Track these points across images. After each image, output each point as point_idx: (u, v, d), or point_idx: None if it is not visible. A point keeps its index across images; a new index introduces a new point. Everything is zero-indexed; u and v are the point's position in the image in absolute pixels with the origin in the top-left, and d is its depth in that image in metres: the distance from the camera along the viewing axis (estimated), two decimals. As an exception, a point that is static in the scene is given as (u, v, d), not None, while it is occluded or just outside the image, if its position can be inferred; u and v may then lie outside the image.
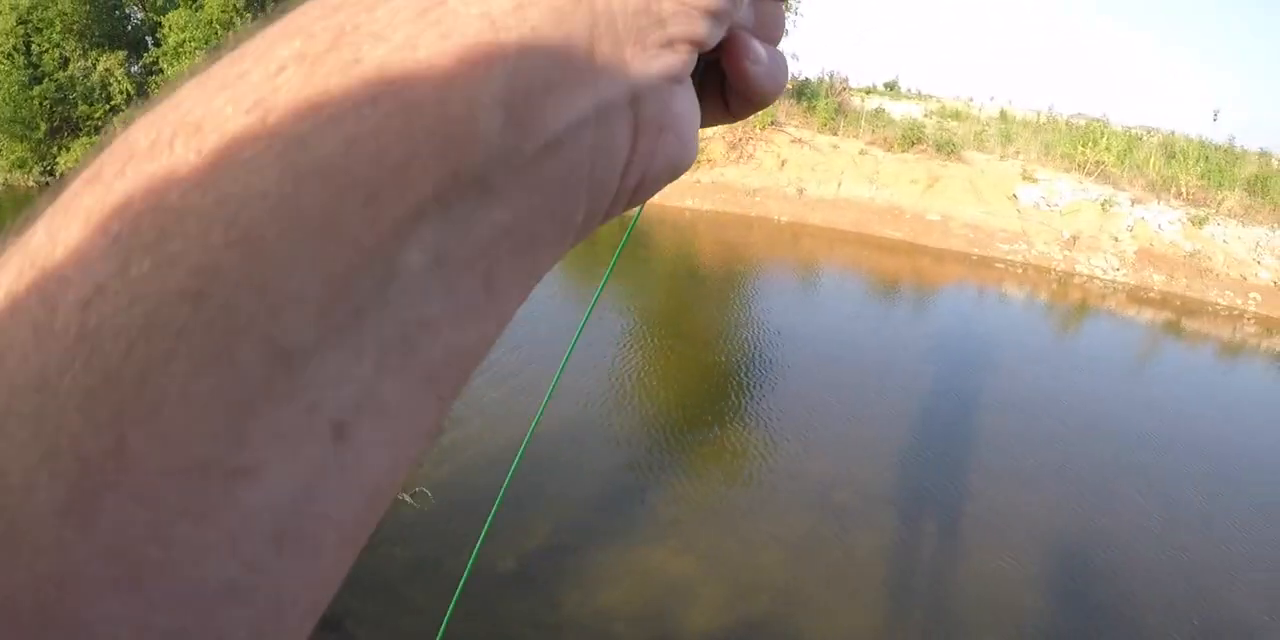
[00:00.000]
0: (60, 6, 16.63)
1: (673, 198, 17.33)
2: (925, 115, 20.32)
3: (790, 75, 0.38)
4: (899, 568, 5.92)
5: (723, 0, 0.31)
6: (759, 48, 0.35)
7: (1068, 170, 17.56)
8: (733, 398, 8.64)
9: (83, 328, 0.21)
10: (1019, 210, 16.47)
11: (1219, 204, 16.42)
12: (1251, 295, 14.66)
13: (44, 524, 0.20)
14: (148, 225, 0.21)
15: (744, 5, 0.33)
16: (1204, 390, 11.02)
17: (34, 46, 16.79)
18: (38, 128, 16.64)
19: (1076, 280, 15.20)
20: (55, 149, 17.06)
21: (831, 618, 5.31)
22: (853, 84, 22.08)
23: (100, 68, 17.17)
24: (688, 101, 0.32)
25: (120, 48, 17.65)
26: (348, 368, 0.23)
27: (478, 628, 4.85)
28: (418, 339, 0.25)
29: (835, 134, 18.68)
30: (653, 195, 0.34)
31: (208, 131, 0.22)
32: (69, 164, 16.19)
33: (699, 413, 8.01)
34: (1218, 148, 18.85)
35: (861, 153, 17.90)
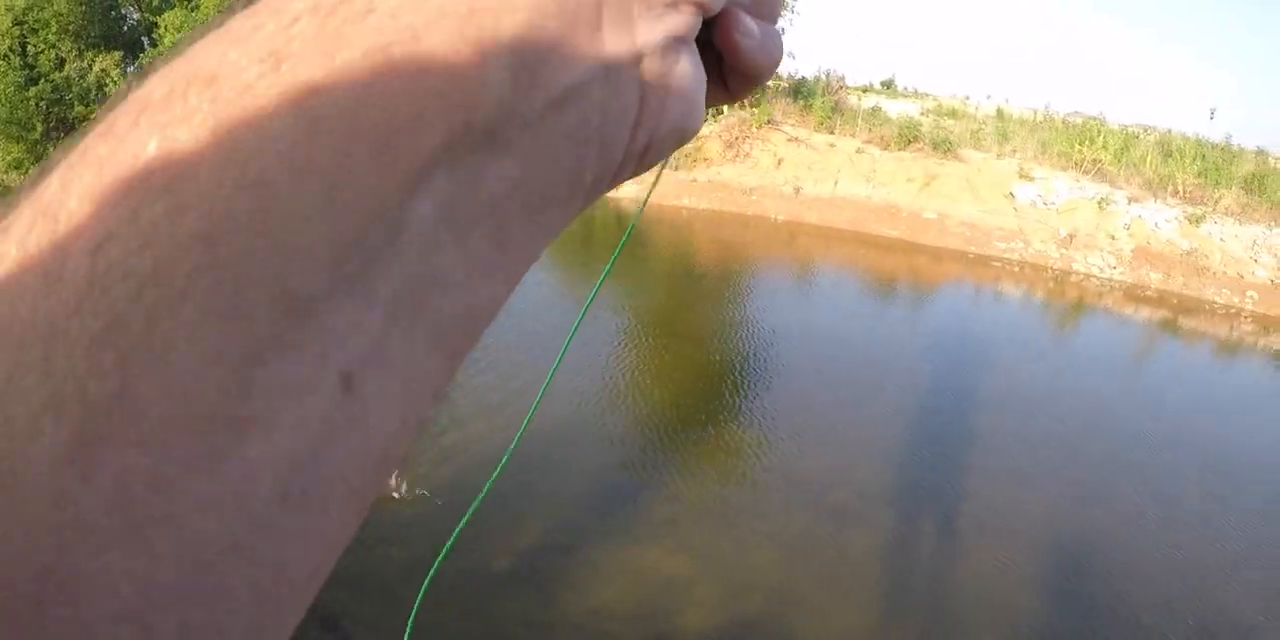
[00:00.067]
0: (56, 7, 16.63)
1: (669, 197, 17.33)
2: (922, 114, 20.30)
3: (785, 54, 0.38)
4: (895, 567, 5.92)
5: None
6: (750, 21, 0.35)
7: (1064, 168, 17.57)
8: (728, 397, 8.64)
9: (92, 273, 0.20)
10: (1016, 208, 16.47)
11: (1216, 202, 16.43)
12: (1249, 293, 14.67)
13: (46, 472, 0.20)
14: (160, 173, 0.21)
15: None
16: (1201, 389, 11.02)
17: (30, 47, 16.78)
18: (34, 128, 16.63)
19: (1073, 278, 15.20)
20: (51, 150, 16.89)
21: (826, 617, 5.31)
22: (849, 82, 22.07)
23: (96, 68, 17.16)
24: (693, 64, 0.32)
25: (116, 48, 17.65)
26: (357, 319, 0.23)
27: (472, 627, 4.85)
28: (428, 293, 0.25)
29: (832, 133, 18.68)
30: (661, 160, 0.34)
31: (222, 82, 0.22)
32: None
33: (694, 412, 8.01)
34: (1214, 146, 18.85)
35: (858, 151, 17.90)
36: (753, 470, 6.99)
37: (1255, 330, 13.73)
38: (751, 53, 0.35)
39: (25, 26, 16.73)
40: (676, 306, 11.93)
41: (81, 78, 17.04)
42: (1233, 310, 14.43)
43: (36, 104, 16.60)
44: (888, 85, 25.45)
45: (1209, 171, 17.21)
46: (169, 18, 17.07)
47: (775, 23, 0.37)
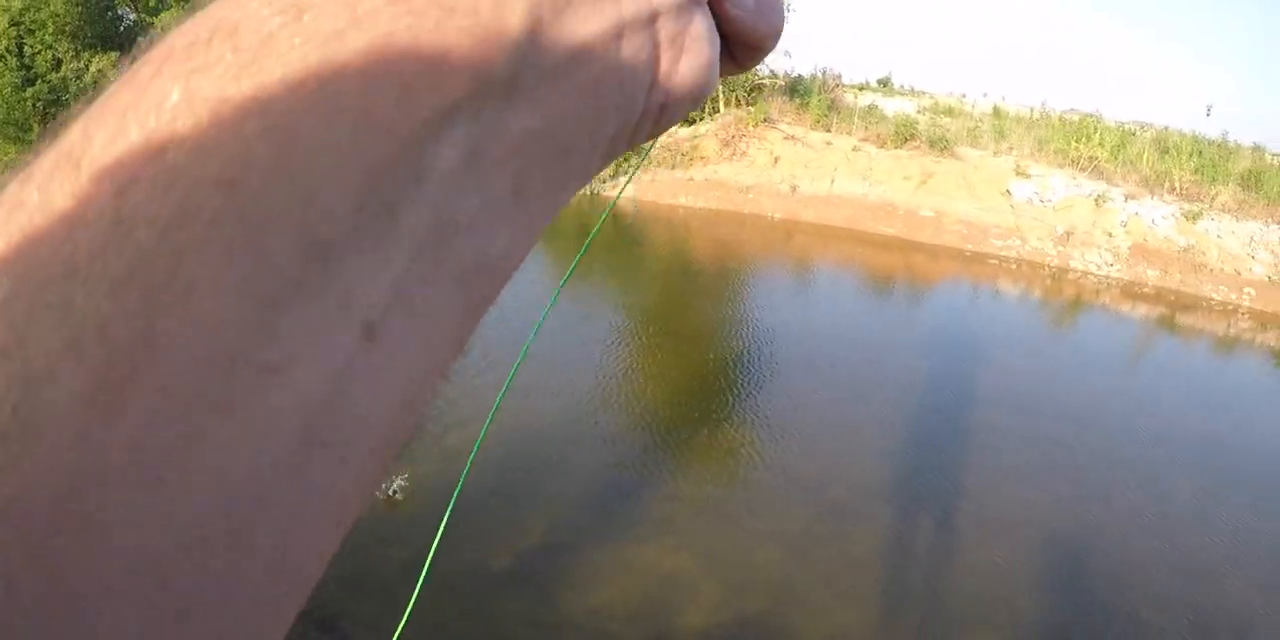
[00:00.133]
0: (53, 8, 16.60)
1: (665, 195, 17.32)
2: (918, 111, 20.30)
3: (784, 17, 0.39)
4: (893, 564, 5.93)
5: None
6: None
7: (1061, 166, 17.58)
8: (726, 395, 8.64)
9: (116, 215, 0.20)
10: (1012, 206, 16.48)
11: (1213, 199, 16.44)
12: (1246, 290, 14.69)
13: (66, 413, 0.19)
14: (184, 117, 0.21)
15: None
16: (1199, 385, 11.04)
17: (27, 48, 16.74)
18: (31, 129, 16.59)
19: (1070, 276, 15.21)
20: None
21: (826, 614, 5.32)
22: (845, 80, 22.09)
23: (93, 69, 17.13)
24: (707, 26, 0.32)
25: (113, 49, 17.61)
26: (380, 264, 0.23)
27: (473, 627, 4.86)
28: (450, 239, 0.25)
29: (828, 131, 18.67)
30: (675, 123, 0.34)
31: (244, 31, 0.22)
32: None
33: (693, 410, 8.01)
34: (1211, 143, 18.85)
35: (854, 149, 17.90)
36: (751, 468, 7.00)
37: (1253, 327, 13.75)
38: (744, 23, 0.35)
39: (22, 27, 16.70)
40: (673, 305, 11.93)
41: (78, 78, 17.02)
42: (1230, 307, 14.45)
43: (33, 105, 16.58)
44: (884, 83, 25.44)
45: (1206, 168, 17.23)
46: (165, 18, 17.03)
47: None
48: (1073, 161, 17.71)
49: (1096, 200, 16.26)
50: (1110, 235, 15.84)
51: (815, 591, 5.52)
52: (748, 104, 19.17)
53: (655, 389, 8.50)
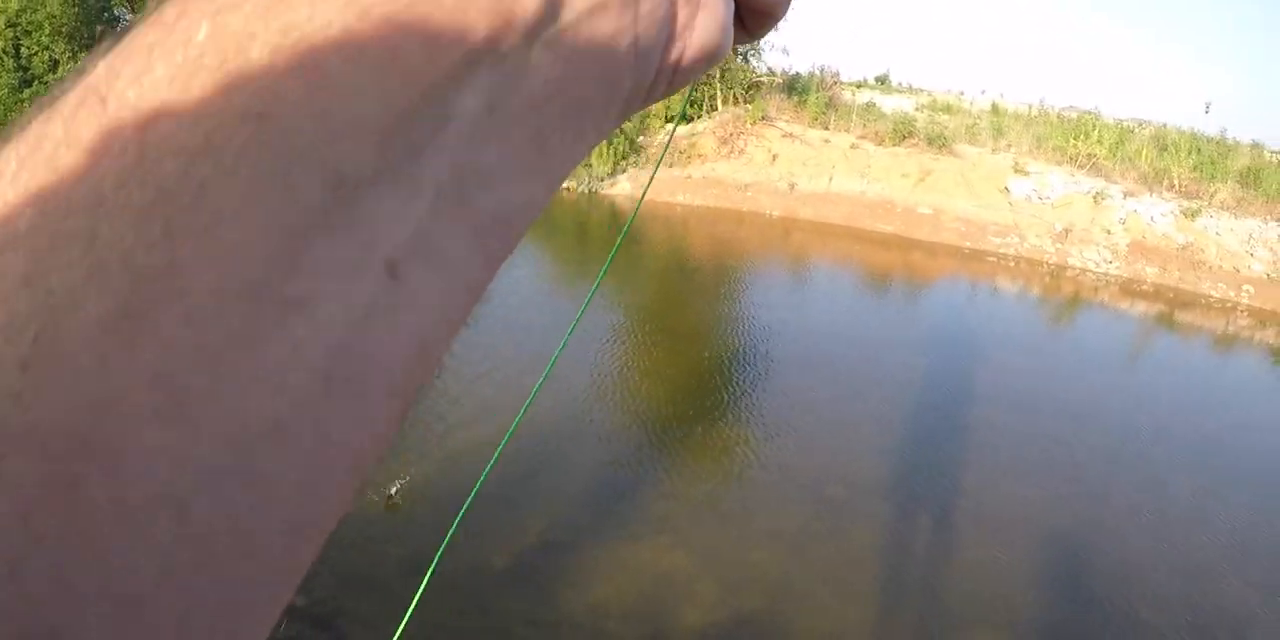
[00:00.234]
0: (49, 9, 16.57)
1: (663, 193, 17.32)
2: (916, 109, 20.31)
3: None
4: (891, 562, 5.92)
5: None
6: None
7: (1059, 163, 17.58)
8: (724, 393, 8.63)
9: (141, 147, 0.21)
10: (1011, 203, 16.48)
11: (1211, 196, 16.44)
12: (1245, 287, 14.68)
13: (87, 342, 0.19)
14: (211, 53, 0.21)
15: None
16: (1197, 383, 11.05)
17: (24, 49, 16.71)
18: (29, 130, 16.59)
19: (1069, 273, 15.21)
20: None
21: (824, 612, 5.31)
22: (843, 78, 22.08)
23: (91, 70, 17.12)
24: None
25: (110, 49, 17.60)
26: (403, 206, 0.23)
27: (472, 625, 4.85)
28: (471, 187, 0.25)
29: (826, 128, 18.68)
30: (689, 83, 0.34)
31: None
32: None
33: (690, 408, 8.00)
34: (1210, 140, 18.86)
35: (853, 147, 17.90)
36: (748, 466, 6.99)
37: (1251, 324, 13.75)
38: None
39: (19, 28, 16.67)
40: (671, 303, 11.92)
41: (75, 79, 17.02)
42: (1229, 304, 14.45)
43: (31, 106, 16.59)
44: (882, 81, 25.43)
45: (1204, 165, 17.23)
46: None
47: None
48: (1071, 159, 17.72)
49: (1095, 197, 16.26)
50: (1109, 232, 15.84)
51: (813, 589, 5.51)
52: (745, 102, 19.17)
53: (652, 387, 8.49)
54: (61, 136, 0.21)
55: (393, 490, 5.81)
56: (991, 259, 15.51)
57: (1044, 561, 6.07)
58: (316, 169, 0.22)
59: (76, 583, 0.19)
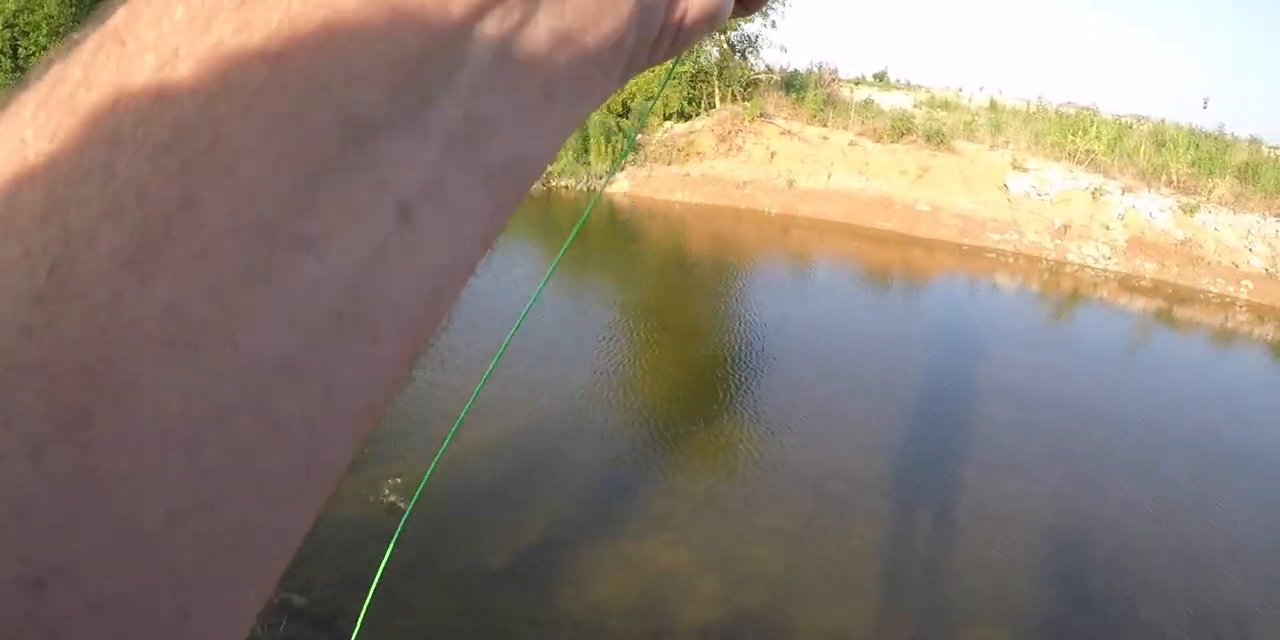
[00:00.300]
0: (47, 9, 16.56)
1: (661, 191, 17.31)
2: (915, 106, 20.30)
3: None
4: (892, 557, 5.91)
5: None
6: None
7: (1058, 159, 17.57)
8: (724, 390, 8.63)
9: (161, 85, 0.21)
10: (1009, 200, 16.47)
11: (1210, 192, 16.43)
12: (1244, 283, 14.68)
13: (102, 275, 0.19)
14: None
15: None
16: (1197, 378, 11.04)
17: (21, 50, 16.70)
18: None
19: (1068, 269, 15.21)
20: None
21: (825, 608, 5.30)
22: (842, 75, 22.07)
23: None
24: None
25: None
26: (415, 150, 0.24)
27: (473, 625, 4.84)
28: (481, 135, 0.25)
29: (824, 125, 18.66)
30: (690, 44, 0.34)
31: None
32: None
33: (690, 405, 8.00)
34: (1208, 135, 18.86)
35: (851, 144, 17.89)
36: (749, 463, 6.98)
37: (1250, 319, 13.74)
38: None
39: (16, 29, 16.66)
40: (670, 301, 11.91)
41: (72, 79, 17.01)
42: (1228, 299, 14.44)
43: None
44: (880, 78, 25.45)
45: (1202, 161, 17.22)
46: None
47: None
48: (1069, 155, 17.71)
49: (1093, 193, 16.25)
50: (1107, 228, 15.83)
51: (814, 586, 5.50)
52: (744, 99, 19.16)
53: (652, 384, 8.48)
54: (80, 78, 0.22)
55: (392, 498, 5.76)
56: (990, 255, 15.50)
57: (1045, 556, 6.07)
58: (332, 110, 0.22)
59: (86, 520, 0.19)
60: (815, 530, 6.10)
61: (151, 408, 0.20)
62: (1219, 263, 15.11)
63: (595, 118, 17.86)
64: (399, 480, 5.84)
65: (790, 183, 17.44)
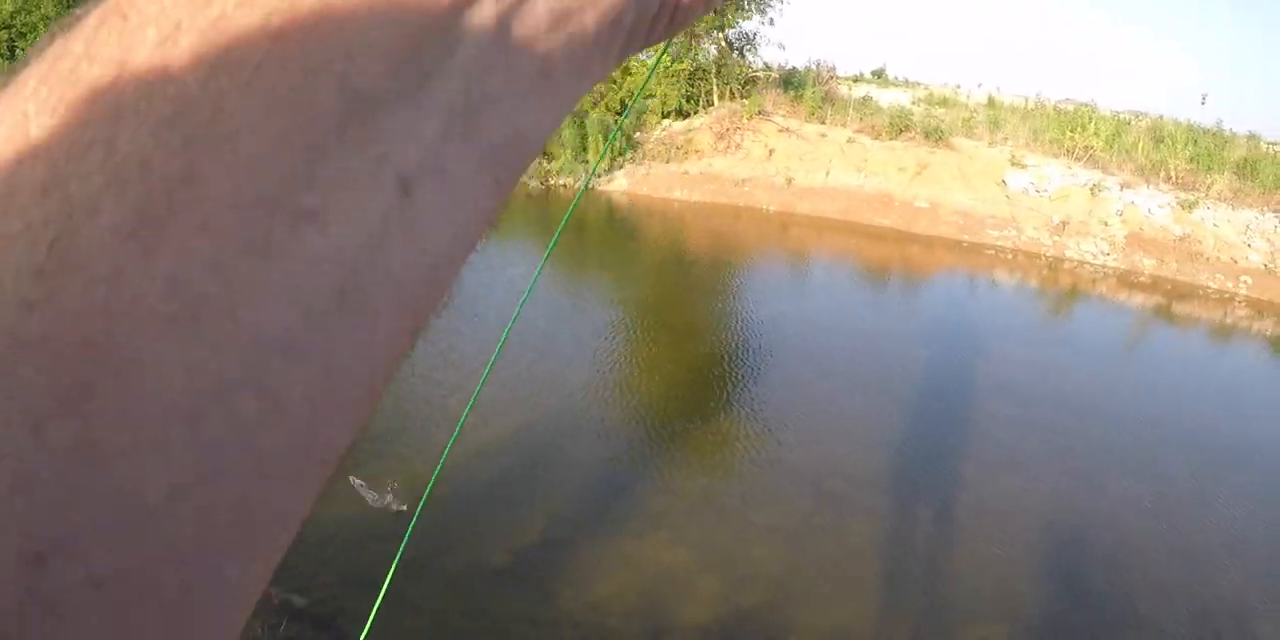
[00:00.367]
0: (44, 10, 16.58)
1: (660, 189, 17.30)
2: (913, 103, 20.28)
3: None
4: (892, 555, 5.92)
5: None
6: None
7: (1056, 155, 17.56)
8: (722, 388, 8.63)
9: (162, 60, 0.21)
10: (1008, 196, 16.47)
11: (1208, 188, 16.43)
12: (1242, 278, 14.68)
13: (103, 248, 0.19)
14: None
15: None
16: (1195, 374, 11.04)
17: (18, 51, 16.71)
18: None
19: (1067, 265, 15.20)
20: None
21: (825, 606, 5.30)
22: (840, 72, 22.03)
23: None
24: None
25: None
26: (415, 126, 0.24)
27: (474, 625, 4.84)
28: (479, 112, 0.25)
29: (823, 123, 18.64)
30: (687, 25, 0.34)
31: None
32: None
33: (688, 403, 8.00)
34: (1206, 131, 18.83)
35: (849, 141, 17.88)
36: (748, 461, 6.99)
37: (1249, 314, 13.74)
38: None
39: (13, 30, 16.68)
40: (669, 299, 11.91)
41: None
42: (1226, 295, 14.44)
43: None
44: (878, 75, 25.41)
45: (1201, 157, 17.21)
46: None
47: None
48: (1068, 151, 17.70)
49: (1092, 190, 16.25)
50: (1106, 224, 15.83)
51: (814, 584, 5.51)
52: (742, 97, 19.15)
53: (651, 382, 8.48)
54: (83, 52, 0.22)
55: (389, 497, 5.73)
56: (989, 252, 15.50)
57: (1044, 552, 6.07)
58: (332, 86, 0.22)
59: (87, 494, 0.19)
60: (814, 528, 6.11)
61: (153, 382, 0.20)
62: (1217, 258, 15.11)
63: (594, 116, 17.88)
64: (396, 484, 5.84)
65: (789, 180, 17.44)
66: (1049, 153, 17.64)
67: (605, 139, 17.42)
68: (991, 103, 21.31)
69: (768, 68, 20.85)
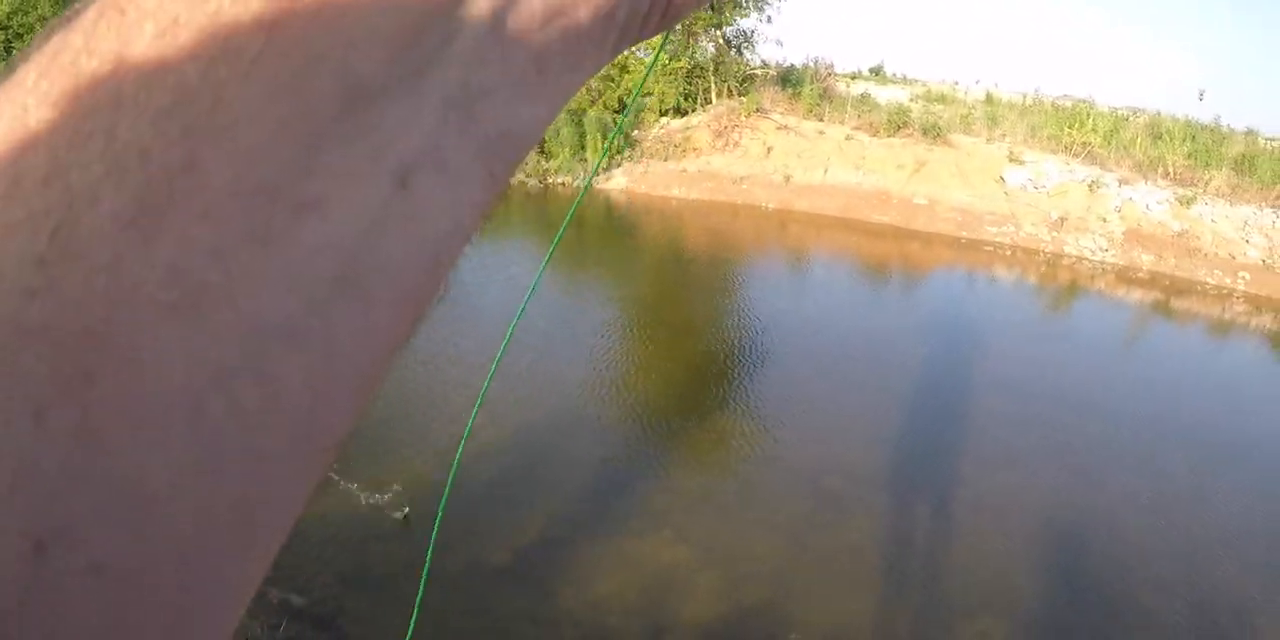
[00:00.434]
0: (41, 11, 16.56)
1: (658, 187, 17.30)
2: (911, 99, 20.26)
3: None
4: (891, 551, 5.93)
5: None
6: None
7: (1054, 152, 17.56)
8: (721, 386, 8.64)
9: (162, 52, 0.21)
10: (1006, 192, 16.47)
11: (1206, 183, 16.43)
12: (1240, 274, 14.69)
13: (104, 238, 0.20)
14: None
15: None
16: (1194, 370, 11.05)
17: (15, 52, 16.70)
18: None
19: (1065, 261, 15.21)
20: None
21: (825, 603, 5.31)
22: (838, 69, 22.02)
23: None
24: None
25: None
26: (412, 117, 0.24)
27: (474, 624, 4.85)
28: (475, 103, 0.26)
29: (821, 120, 18.63)
30: (680, 19, 0.34)
31: None
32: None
33: (687, 401, 8.00)
34: (1204, 127, 18.82)
35: (847, 138, 17.87)
36: (747, 459, 6.99)
37: (1247, 310, 13.75)
38: None
39: (10, 31, 16.67)
40: (667, 297, 11.91)
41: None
42: (1225, 291, 14.45)
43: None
44: (876, 72, 25.39)
45: (1199, 153, 17.22)
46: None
47: None
48: (1066, 147, 17.70)
49: (1090, 186, 16.26)
50: (1104, 221, 15.84)
51: (814, 580, 5.52)
52: (740, 94, 19.14)
53: (649, 381, 8.49)
54: (82, 45, 0.22)
55: (405, 511, 5.70)
56: (988, 248, 15.51)
57: (1043, 548, 6.08)
58: (331, 76, 0.22)
59: (88, 482, 0.19)
60: (813, 525, 6.12)
61: (153, 370, 0.20)
62: (1216, 254, 15.12)
63: (592, 114, 17.88)
64: (398, 488, 5.85)
65: (787, 178, 17.43)
66: (1047, 149, 17.64)
67: (604, 137, 17.43)
68: (989, 99, 21.30)
69: (765, 65, 20.84)
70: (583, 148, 17.58)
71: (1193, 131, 18.29)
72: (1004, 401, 8.55)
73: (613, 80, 18.73)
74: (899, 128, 17.90)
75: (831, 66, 21.40)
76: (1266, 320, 13.37)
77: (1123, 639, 5.33)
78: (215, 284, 0.20)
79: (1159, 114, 20.06)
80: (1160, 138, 17.92)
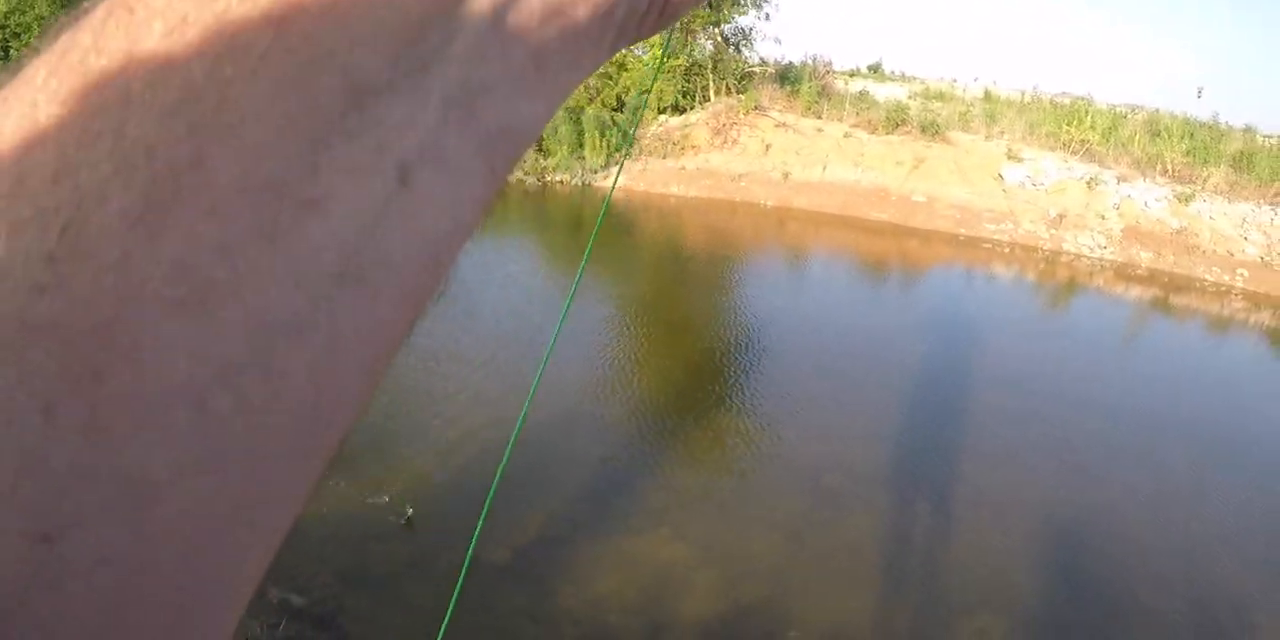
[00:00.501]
0: (38, 10, 16.53)
1: (657, 185, 17.30)
2: (909, 97, 20.27)
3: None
4: (891, 549, 5.93)
5: None
6: None
7: (1053, 149, 17.57)
8: (720, 383, 8.63)
9: (169, 50, 0.21)
10: (1005, 190, 16.48)
11: (1205, 181, 16.44)
12: (1239, 271, 14.70)
13: (112, 235, 0.20)
14: None
15: None
16: (1193, 366, 11.06)
17: (13, 51, 16.68)
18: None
19: (1064, 259, 15.21)
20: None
21: (825, 599, 5.32)
22: (836, 67, 22.02)
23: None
24: None
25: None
26: (414, 114, 0.24)
27: (474, 622, 4.85)
28: (476, 100, 0.26)
29: (819, 117, 18.64)
30: (677, 19, 0.34)
31: None
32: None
33: (686, 399, 8.00)
34: (1202, 125, 18.84)
35: (846, 136, 17.88)
36: (746, 457, 6.99)
37: (1246, 307, 13.76)
38: None
39: (8, 31, 16.65)
40: (666, 294, 11.91)
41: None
42: (1223, 288, 14.46)
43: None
44: (875, 69, 25.40)
45: (1197, 150, 17.23)
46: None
47: None
48: (1064, 145, 17.71)
49: (1089, 183, 16.26)
50: (1103, 218, 15.84)
51: (813, 578, 5.52)
52: (738, 92, 19.13)
53: (648, 379, 8.48)
54: (90, 44, 0.22)
55: (408, 514, 5.68)
56: (986, 245, 15.51)
57: (1043, 544, 6.09)
58: (335, 75, 0.23)
59: (96, 476, 0.19)
60: (813, 522, 6.12)
61: (160, 365, 0.20)
62: (1214, 251, 15.13)
63: (590, 112, 17.87)
64: (399, 488, 5.85)
65: (785, 175, 17.44)
66: (1045, 146, 17.65)
67: (602, 135, 17.44)
68: (988, 97, 21.31)
69: (764, 63, 20.82)
70: (581, 146, 17.58)
71: (1191, 129, 18.30)
72: (1003, 398, 8.56)
73: (611, 78, 18.73)
74: (897, 125, 17.91)
75: (830, 64, 21.42)
76: (1265, 317, 13.38)
77: (1121, 636, 5.34)
78: (222, 280, 0.21)
79: (1157, 111, 20.08)
80: (1159, 135, 17.94)
